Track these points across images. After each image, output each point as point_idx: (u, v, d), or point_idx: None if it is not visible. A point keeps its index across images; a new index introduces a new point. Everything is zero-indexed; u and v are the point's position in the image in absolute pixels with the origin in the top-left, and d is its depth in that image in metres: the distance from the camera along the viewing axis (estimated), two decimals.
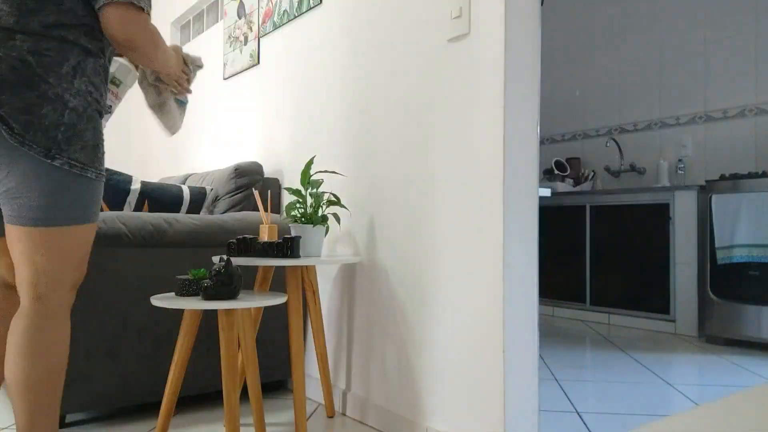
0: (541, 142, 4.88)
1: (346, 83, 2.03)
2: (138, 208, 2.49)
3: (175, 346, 1.72)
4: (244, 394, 2.12)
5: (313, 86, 2.22)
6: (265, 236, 1.82)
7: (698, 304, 3.36)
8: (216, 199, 2.29)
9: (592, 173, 4.39)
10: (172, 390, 1.65)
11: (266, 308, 2.08)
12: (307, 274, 1.84)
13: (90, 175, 1.26)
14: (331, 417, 1.91)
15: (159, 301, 1.48)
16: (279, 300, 1.58)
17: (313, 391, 2.12)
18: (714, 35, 3.81)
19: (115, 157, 4.03)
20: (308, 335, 2.19)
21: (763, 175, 3.04)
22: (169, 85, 1.59)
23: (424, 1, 1.70)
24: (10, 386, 1.25)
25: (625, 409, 2.01)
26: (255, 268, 2.09)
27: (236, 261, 1.65)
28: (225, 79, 2.93)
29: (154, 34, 1.33)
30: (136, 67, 1.60)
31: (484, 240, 1.48)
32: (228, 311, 1.50)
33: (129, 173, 4.22)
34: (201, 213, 2.34)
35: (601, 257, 3.83)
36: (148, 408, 2.01)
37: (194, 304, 1.45)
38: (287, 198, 2.36)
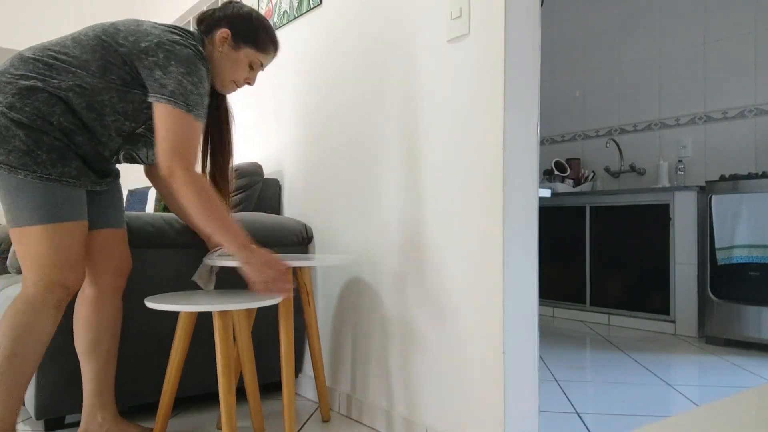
0: (541, 143, 4.87)
1: (346, 84, 2.03)
2: None
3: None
4: (243, 395, 2.12)
5: (312, 86, 2.22)
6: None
7: (698, 305, 3.36)
8: None
9: (592, 174, 4.39)
10: (169, 391, 1.64)
11: (265, 309, 2.08)
12: (300, 275, 1.83)
13: (21, 176, 1.33)
14: (327, 422, 1.90)
15: (153, 303, 1.47)
16: (273, 300, 1.57)
17: (313, 391, 2.12)
18: (714, 35, 3.80)
19: None
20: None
21: (763, 175, 3.04)
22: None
23: (424, 1, 1.69)
24: None
25: (625, 410, 2.00)
26: None
27: (231, 263, 1.64)
28: None
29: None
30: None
31: (483, 240, 1.47)
32: (223, 312, 1.49)
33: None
34: None
35: (601, 258, 3.83)
36: (146, 409, 2.00)
37: (188, 306, 1.44)
38: (287, 198, 2.36)
